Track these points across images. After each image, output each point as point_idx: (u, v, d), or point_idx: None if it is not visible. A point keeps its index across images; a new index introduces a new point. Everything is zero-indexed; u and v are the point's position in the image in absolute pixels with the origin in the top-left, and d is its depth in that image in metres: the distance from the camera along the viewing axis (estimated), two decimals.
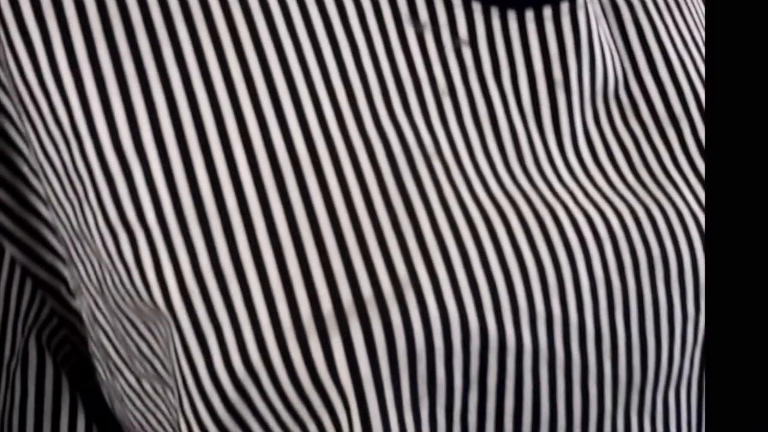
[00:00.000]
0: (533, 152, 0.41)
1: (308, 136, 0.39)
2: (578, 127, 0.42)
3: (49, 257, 0.44)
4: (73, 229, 0.41)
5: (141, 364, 0.42)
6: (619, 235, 0.40)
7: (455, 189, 0.39)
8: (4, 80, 0.41)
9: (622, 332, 0.40)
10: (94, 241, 0.40)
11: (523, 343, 0.39)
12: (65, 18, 0.39)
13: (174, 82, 0.39)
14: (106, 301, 0.41)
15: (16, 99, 0.41)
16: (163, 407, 0.43)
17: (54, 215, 0.42)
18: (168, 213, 0.38)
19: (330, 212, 0.38)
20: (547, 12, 0.42)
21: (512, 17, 0.42)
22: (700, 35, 0.45)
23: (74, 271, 0.43)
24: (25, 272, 0.44)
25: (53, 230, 0.43)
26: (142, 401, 0.44)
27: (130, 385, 0.43)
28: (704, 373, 0.42)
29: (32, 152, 0.42)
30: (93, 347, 0.44)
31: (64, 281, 0.44)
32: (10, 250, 0.43)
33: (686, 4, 0.45)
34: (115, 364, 0.43)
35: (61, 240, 0.43)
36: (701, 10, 0.46)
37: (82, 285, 0.42)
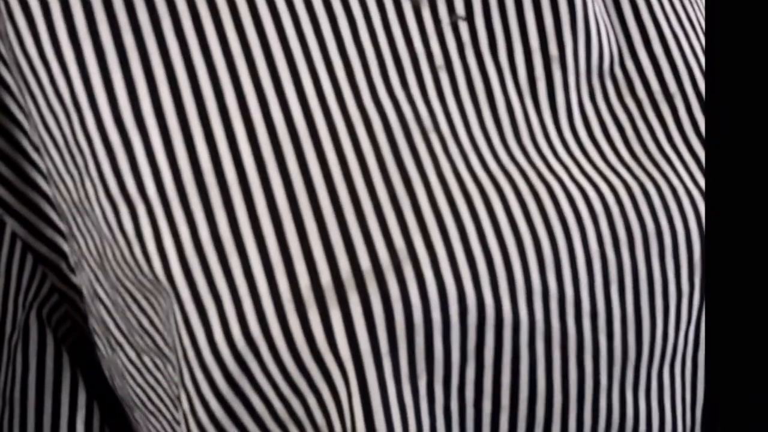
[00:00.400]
0: (529, 128, 0.41)
1: (306, 109, 0.39)
2: (574, 104, 0.42)
3: (50, 232, 0.44)
4: (74, 203, 0.41)
5: (141, 338, 0.42)
6: (614, 210, 0.40)
7: (452, 163, 0.40)
8: (5, 53, 0.41)
9: (617, 308, 0.40)
10: (94, 214, 0.40)
11: (520, 318, 0.39)
12: None
13: (173, 55, 0.40)
14: (106, 275, 0.42)
15: (16, 72, 0.41)
16: (163, 382, 0.43)
17: (55, 190, 0.42)
18: (168, 185, 0.39)
19: (328, 185, 0.39)
20: None
21: None
22: (694, 12, 0.45)
23: (75, 245, 0.43)
24: (26, 247, 0.44)
25: (53, 205, 0.44)
26: (143, 376, 0.44)
27: (130, 360, 0.44)
28: (701, 352, 0.43)
29: (33, 126, 0.42)
30: (93, 323, 0.45)
31: (65, 257, 0.44)
32: (11, 224, 0.44)
33: None
34: (115, 338, 0.44)
35: (61, 215, 0.43)
36: None
37: (82, 259, 0.43)
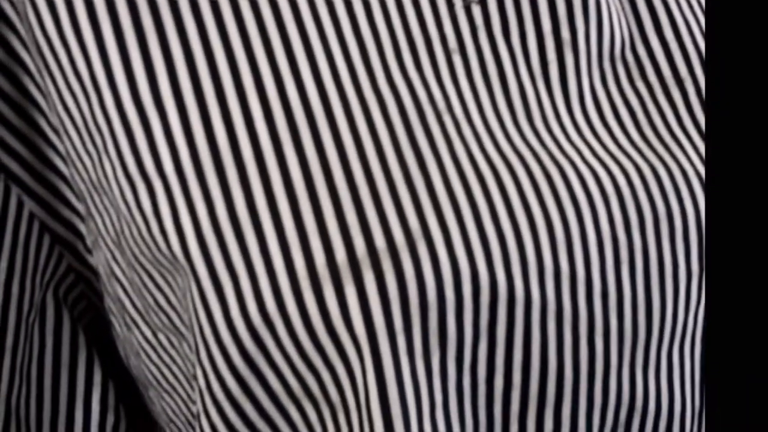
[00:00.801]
0: (541, 111, 0.42)
1: (322, 89, 0.40)
2: (585, 87, 0.43)
3: (67, 213, 0.45)
4: (92, 182, 0.42)
5: (157, 316, 0.43)
6: (625, 192, 0.41)
7: (465, 145, 0.40)
8: (24, 34, 0.42)
9: (627, 288, 0.41)
10: (112, 193, 0.41)
11: (532, 297, 0.39)
12: None
13: (191, 35, 0.40)
14: (123, 254, 0.42)
15: (35, 52, 0.42)
16: (178, 360, 0.44)
17: (73, 170, 0.43)
18: (185, 163, 0.39)
19: (344, 164, 0.39)
20: None
21: None
22: None
23: (92, 225, 0.43)
24: (43, 227, 0.45)
25: (71, 186, 0.44)
26: (158, 354, 0.44)
27: (146, 339, 0.44)
28: (705, 333, 0.43)
29: (51, 107, 0.42)
30: (109, 302, 0.45)
31: (81, 237, 0.45)
32: (28, 204, 0.44)
33: None
34: (131, 317, 0.44)
35: (79, 195, 0.44)
36: None
37: (99, 238, 0.43)
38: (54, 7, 0.41)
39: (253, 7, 0.41)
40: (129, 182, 0.40)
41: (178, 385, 0.45)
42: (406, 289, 0.38)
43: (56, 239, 0.45)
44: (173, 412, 0.46)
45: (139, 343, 0.45)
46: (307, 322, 0.38)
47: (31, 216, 0.44)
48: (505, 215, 0.39)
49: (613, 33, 0.43)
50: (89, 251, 0.45)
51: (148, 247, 0.40)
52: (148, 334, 0.44)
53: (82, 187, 0.43)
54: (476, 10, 0.42)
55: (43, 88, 0.43)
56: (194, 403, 0.44)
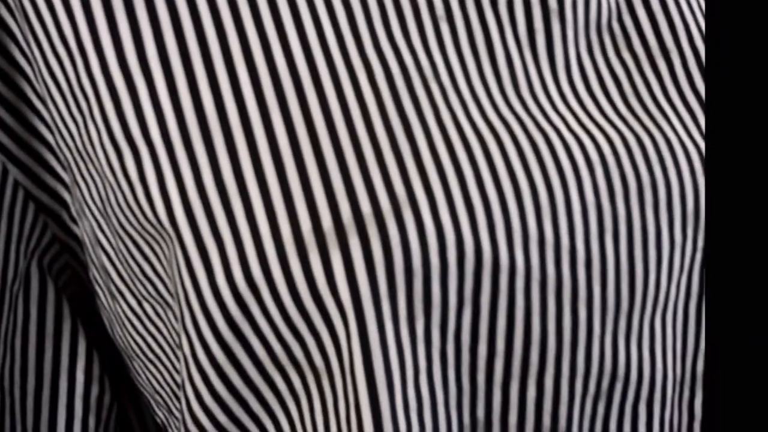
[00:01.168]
0: (528, 79, 0.42)
1: (309, 55, 0.40)
2: (572, 57, 0.43)
3: (52, 181, 0.45)
4: (78, 150, 0.42)
5: (143, 285, 0.43)
6: (610, 160, 0.41)
7: (452, 111, 0.40)
8: (10, 0, 0.42)
9: (611, 257, 0.41)
10: (98, 160, 0.41)
11: (516, 264, 0.40)
12: None
13: (178, 1, 0.40)
14: (109, 222, 0.42)
15: (21, 18, 0.42)
16: (164, 330, 0.44)
17: (58, 137, 0.43)
18: (172, 129, 0.39)
19: (330, 130, 0.39)
20: None
21: None
22: None
23: (77, 193, 0.43)
24: (28, 196, 0.44)
25: (56, 155, 0.44)
26: (144, 325, 0.44)
27: (131, 308, 0.44)
28: (692, 302, 0.43)
29: (37, 74, 0.42)
30: (94, 272, 0.45)
31: (66, 207, 0.45)
32: (13, 173, 0.44)
33: None
34: (116, 286, 0.44)
35: (64, 163, 0.43)
36: None
37: (85, 207, 0.43)
38: None
39: None
40: (115, 148, 0.40)
41: (163, 356, 0.45)
42: (391, 254, 0.38)
43: (41, 208, 0.45)
44: (158, 383, 0.46)
45: (124, 313, 0.45)
46: (293, 288, 0.38)
47: (16, 184, 0.44)
48: (491, 182, 0.40)
49: (600, 3, 0.43)
50: (74, 220, 0.45)
51: (134, 215, 0.40)
52: (134, 303, 0.44)
53: (68, 154, 0.43)
54: None
55: (29, 55, 0.42)
56: (179, 373, 0.44)
